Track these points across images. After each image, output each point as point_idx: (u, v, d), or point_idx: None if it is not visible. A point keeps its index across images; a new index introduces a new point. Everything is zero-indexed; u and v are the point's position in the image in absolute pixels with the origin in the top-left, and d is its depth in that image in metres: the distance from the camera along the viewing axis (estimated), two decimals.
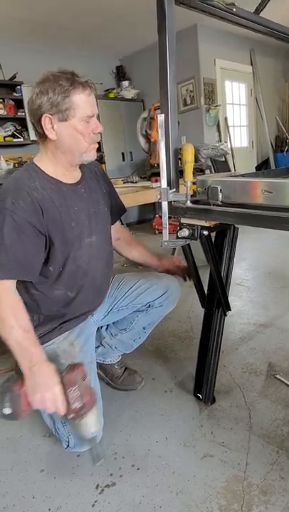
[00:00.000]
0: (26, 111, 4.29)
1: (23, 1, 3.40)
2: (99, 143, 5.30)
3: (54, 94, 1.02)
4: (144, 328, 1.48)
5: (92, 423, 1.00)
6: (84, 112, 1.05)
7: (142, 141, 3.47)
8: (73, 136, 1.07)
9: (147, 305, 1.41)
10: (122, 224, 3.58)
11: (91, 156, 1.15)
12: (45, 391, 0.95)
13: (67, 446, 1.17)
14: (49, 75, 1.05)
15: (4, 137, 4.26)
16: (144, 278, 1.43)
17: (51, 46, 4.56)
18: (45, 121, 1.04)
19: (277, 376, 1.50)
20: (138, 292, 1.40)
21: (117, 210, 1.43)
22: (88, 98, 1.06)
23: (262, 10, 1.19)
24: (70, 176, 1.18)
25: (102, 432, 1.18)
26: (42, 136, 1.09)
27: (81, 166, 1.22)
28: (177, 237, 1.20)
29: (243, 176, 1.29)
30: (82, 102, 1.05)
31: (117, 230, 1.46)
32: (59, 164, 1.14)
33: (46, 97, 1.03)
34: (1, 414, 0.97)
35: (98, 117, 1.12)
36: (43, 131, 1.06)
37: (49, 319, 1.20)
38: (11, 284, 1.05)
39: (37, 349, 1.01)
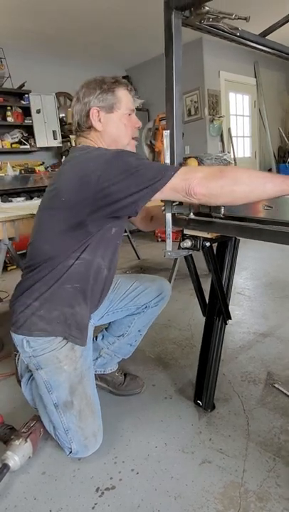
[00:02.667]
0: (34, 118, 4.39)
1: (33, 14, 3.50)
2: None
3: (101, 90, 1.17)
4: (139, 330, 1.51)
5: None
6: (127, 106, 1.21)
7: (146, 150, 3.53)
8: (118, 126, 1.21)
9: (144, 306, 1.46)
10: (125, 231, 3.63)
11: (132, 149, 1.25)
12: None
13: (70, 452, 1.19)
14: (93, 78, 1.22)
15: (11, 144, 4.34)
16: (138, 280, 1.49)
17: (59, 57, 4.66)
18: (93, 114, 1.18)
19: (276, 385, 1.53)
20: (134, 294, 1.45)
21: None
22: (129, 94, 1.23)
23: (269, 34, 1.24)
24: None
25: (102, 437, 1.22)
26: (86, 129, 1.21)
27: None
28: (179, 248, 1.24)
29: None
30: (126, 96, 1.21)
31: (149, 210, 1.50)
32: None
33: (94, 94, 1.17)
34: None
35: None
36: (91, 123, 1.19)
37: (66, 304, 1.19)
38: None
39: None
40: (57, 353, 1.17)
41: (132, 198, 0.98)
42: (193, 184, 0.94)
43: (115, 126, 1.21)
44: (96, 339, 1.54)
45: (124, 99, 1.21)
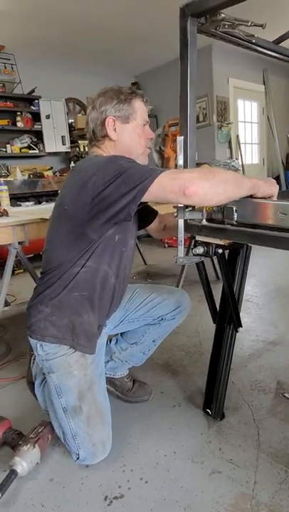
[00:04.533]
0: (43, 124, 4.43)
1: (43, 22, 3.55)
2: None
3: (118, 100, 1.20)
4: (153, 341, 1.50)
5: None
6: (143, 117, 1.24)
7: (155, 156, 3.53)
8: (132, 137, 1.23)
9: (160, 318, 1.43)
10: None
11: (145, 160, 1.27)
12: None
13: (77, 458, 1.18)
14: (109, 88, 1.24)
15: (20, 149, 4.38)
16: (156, 292, 1.46)
17: (69, 63, 4.71)
18: (109, 123, 1.20)
19: (286, 395, 1.50)
20: (150, 306, 1.42)
21: (152, 214, 1.50)
22: (145, 106, 1.25)
23: (282, 41, 1.24)
24: None
25: (110, 445, 1.20)
26: (101, 138, 1.23)
27: None
28: (188, 254, 1.23)
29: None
30: (141, 108, 1.24)
31: (161, 218, 1.52)
32: None
33: (111, 104, 1.20)
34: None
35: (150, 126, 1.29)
36: (106, 132, 1.20)
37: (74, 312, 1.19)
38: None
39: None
40: (68, 358, 1.18)
41: (124, 199, 0.99)
42: (187, 183, 0.94)
43: (130, 136, 1.23)
44: (110, 342, 1.53)
45: (140, 110, 1.23)
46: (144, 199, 0.99)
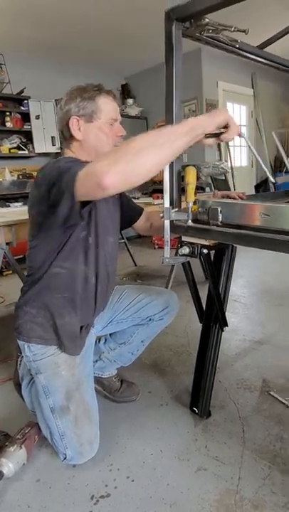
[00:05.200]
0: (33, 124, 4.42)
1: (33, 21, 3.53)
2: None
3: (82, 98, 1.15)
4: (142, 341, 1.51)
5: None
6: (109, 115, 1.18)
7: None
8: (98, 136, 1.18)
9: (148, 319, 1.44)
10: (122, 238, 3.63)
11: None
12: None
13: (65, 458, 1.18)
14: (76, 86, 1.19)
15: (10, 149, 4.35)
16: (144, 292, 1.47)
17: (59, 63, 4.70)
18: (73, 123, 1.16)
19: (271, 393, 1.53)
20: (139, 306, 1.43)
21: (136, 210, 1.50)
22: (112, 103, 1.20)
23: (267, 46, 1.27)
24: None
25: (98, 444, 1.20)
26: (68, 138, 1.20)
27: None
28: (177, 254, 1.25)
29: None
30: (107, 105, 1.18)
31: (148, 216, 1.51)
32: None
33: (74, 102, 1.15)
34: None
35: (121, 123, 1.24)
36: (71, 132, 1.17)
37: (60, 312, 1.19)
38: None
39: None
40: (56, 358, 1.18)
41: (63, 207, 0.94)
42: (100, 176, 0.81)
43: (95, 135, 1.18)
44: (98, 342, 1.54)
45: (106, 108, 1.18)
46: (77, 200, 0.92)
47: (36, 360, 1.18)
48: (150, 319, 1.45)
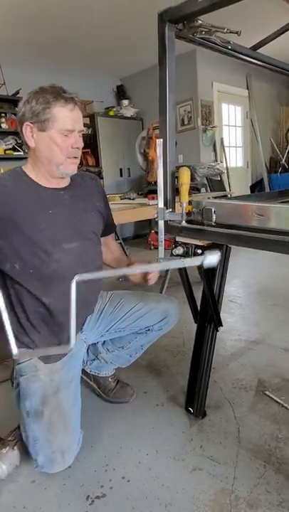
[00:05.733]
0: None
1: (28, 23, 3.53)
2: (97, 158, 5.36)
3: (36, 103, 1.07)
4: (141, 345, 1.50)
5: None
6: (63, 126, 1.08)
7: (140, 159, 3.57)
8: (50, 146, 1.10)
9: (146, 329, 1.41)
10: (118, 238, 3.63)
11: (70, 169, 1.17)
12: None
13: (36, 466, 1.14)
14: (38, 87, 1.10)
15: (5, 150, 4.34)
16: (142, 301, 1.41)
17: (54, 65, 4.70)
18: (26, 129, 1.10)
19: (266, 392, 1.54)
20: (137, 316, 1.39)
21: (108, 228, 1.45)
22: (70, 113, 1.09)
23: (260, 47, 1.28)
24: (54, 182, 1.20)
25: (72, 456, 1.16)
26: (26, 144, 1.14)
27: (74, 176, 1.25)
28: (172, 255, 1.25)
29: (236, 198, 1.36)
30: (63, 115, 1.08)
31: (110, 247, 1.49)
32: (40, 173, 1.17)
33: (29, 106, 1.08)
34: None
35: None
36: (25, 138, 1.11)
37: (37, 324, 1.18)
38: None
39: None
40: (36, 361, 1.18)
41: None
42: None
43: (46, 146, 1.10)
44: (97, 343, 1.52)
45: (61, 117, 1.08)
46: None
47: (19, 363, 1.19)
48: (149, 329, 1.42)
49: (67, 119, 1.08)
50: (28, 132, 1.10)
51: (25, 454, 1.22)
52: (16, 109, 1.14)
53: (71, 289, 0.81)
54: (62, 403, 1.15)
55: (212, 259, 0.76)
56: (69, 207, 1.21)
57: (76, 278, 0.82)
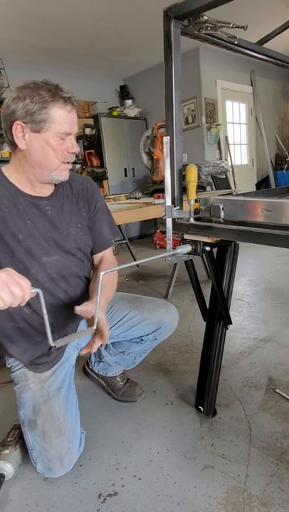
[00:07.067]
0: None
1: (31, 26, 3.55)
2: (102, 159, 5.37)
3: (31, 102, 0.96)
4: (144, 350, 1.48)
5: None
6: (60, 128, 1.00)
7: (144, 158, 3.56)
8: (44, 150, 1.01)
9: (140, 338, 1.39)
10: (124, 238, 3.63)
11: (62, 175, 1.08)
12: None
13: (38, 471, 1.14)
14: (31, 82, 0.99)
15: (10, 153, 4.36)
16: (136, 309, 1.35)
17: (58, 67, 4.72)
18: (17, 129, 0.99)
19: (277, 390, 1.53)
20: (130, 325, 1.34)
21: (100, 242, 1.28)
22: (68, 115, 1.01)
23: (266, 42, 1.27)
24: (38, 190, 1.11)
25: (72, 461, 1.15)
26: (12, 144, 1.02)
27: (59, 184, 1.15)
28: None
29: (243, 195, 1.35)
30: (61, 117, 0.99)
31: (104, 265, 1.29)
32: (25, 177, 1.07)
33: (22, 104, 0.97)
34: None
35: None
36: (13, 139, 1.00)
37: (23, 335, 1.17)
38: None
39: None
40: (25, 370, 1.18)
41: None
42: None
43: (40, 149, 1.00)
44: (100, 346, 1.51)
45: (59, 119, 0.99)
46: None
47: (12, 372, 1.20)
48: (142, 339, 1.38)
49: (65, 121, 1.00)
50: (19, 132, 0.99)
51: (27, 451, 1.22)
52: (3, 105, 1.01)
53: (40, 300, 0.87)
54: (54, 410, 1.13)
55: None
56: (49, 219, 1.12)
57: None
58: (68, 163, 1.08)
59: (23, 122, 0.98)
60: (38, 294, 0.86)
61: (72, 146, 1.05)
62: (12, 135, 1.00)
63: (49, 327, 0.90)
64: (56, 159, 1.03)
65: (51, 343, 0.91)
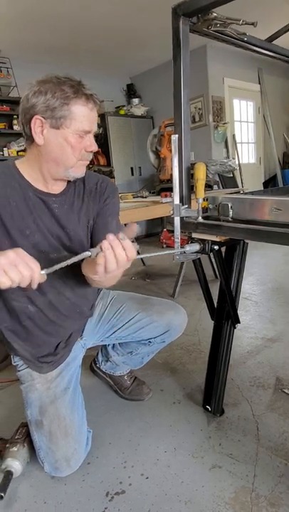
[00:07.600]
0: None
1: (38, 26, 3.56)
2: (109, 158, 5.38)
3: (53, 97, 0.94)
4: (152, 351, 1.47)
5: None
6: (80, 126, 0.98)
7: (151, 157, 3.56)
8: (62, 146, 0.98)
9: (148, 340, 1.37)
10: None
11: (79, 172, 1.06)
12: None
13: (45, 471, 1.15)
14: (53, 76, 0.98)
15: (18, 152, 4.39)
16: (144, 311, 1.32)
17: (64, 66, 4.71)
18: (35, 123, 0.96)
19: (285, 390, 1.51)
20: (138, 326, 1.32)
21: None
22: (89, 112, 0.99)
23: (275, 39, 1.26)
24: (50, 186, 1.08)
25: (79, 461, 1.16)
26: (29, 138, 1.00)
27: (72, 181, 1.12)
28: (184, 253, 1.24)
29: (252, 193, 1.34)
30: (82, 114, 0.97)
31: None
32: (38, 172, 1.05)
33: (44, 98, 0.94)
34: None
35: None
36: (31, 133, 0.98)
37: (33, 338, 1.16)
38: None
39: None
40: (31, 370, 1.18)
41: None
42: None
43: (58, 145, 0.98)
44: (108, 345, 1.52)
45: (80, 116, 0.97)
46: None
47: (18, 371, 1.20)
48: (151, 342, 1.37)
49: (85, 119, 0.98)
50: (38, 127, 0.96)
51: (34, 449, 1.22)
52: (22, 99, 0.99)
53: None
54: (60, 411, 1.13)
55: None
56: (55, 217, 1.09)
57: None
58: (86, 160, 1.07)
59: (43, 117, 0.96)
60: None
61: (90, 145, 1.02)
62: (30, 129, 0.97)
63: None
64: (73, 157, 1.01)
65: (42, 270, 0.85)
